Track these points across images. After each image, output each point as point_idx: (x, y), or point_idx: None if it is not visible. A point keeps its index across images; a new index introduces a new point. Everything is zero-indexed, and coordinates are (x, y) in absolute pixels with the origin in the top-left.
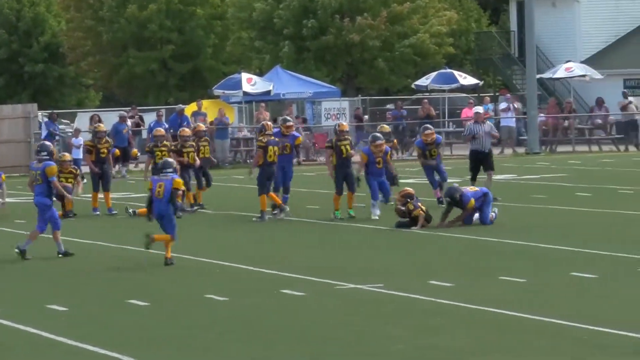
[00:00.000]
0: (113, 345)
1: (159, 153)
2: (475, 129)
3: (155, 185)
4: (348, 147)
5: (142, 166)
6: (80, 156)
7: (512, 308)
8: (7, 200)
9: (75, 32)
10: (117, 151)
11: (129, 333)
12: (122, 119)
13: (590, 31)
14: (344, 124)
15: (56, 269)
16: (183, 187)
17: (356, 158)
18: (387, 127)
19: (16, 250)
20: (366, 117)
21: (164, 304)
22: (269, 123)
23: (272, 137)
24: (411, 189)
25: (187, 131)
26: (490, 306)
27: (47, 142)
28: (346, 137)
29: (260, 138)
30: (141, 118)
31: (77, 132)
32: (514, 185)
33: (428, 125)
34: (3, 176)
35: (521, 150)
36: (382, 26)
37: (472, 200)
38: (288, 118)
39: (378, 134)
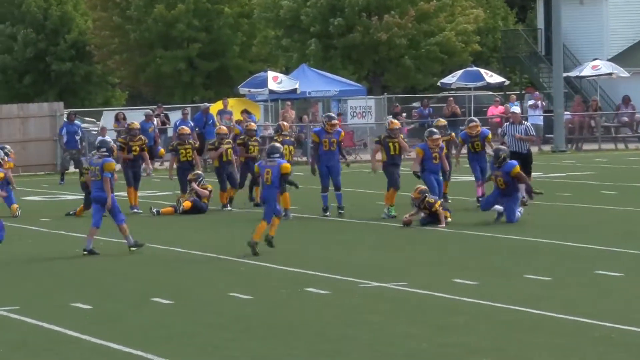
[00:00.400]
0: (136, 343)
1: (183, 151)
2: (507, 129)
3: (263, 171)
4: (397, 145)
5: (167, 164)
6: None
7: (535, 306)
8: (34, 198)
9: (102, 31)
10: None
11: (152, 331)
12: (148, 118)
13: (618, 29)
14: (395, 121)
15: (80, 268)
16: (290, 171)
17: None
18: (443, 121)
19: (84, 252)
20: (404, 114)
21: (188, 302)
22: (285, 123)
23: (288, 137)
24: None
25: (224, 129)
26: (513, 304)
27: (108, 139)
28: (396, 134)
29: (276, 138)
30: (167, 116)
31: (103, 131)
32: (540, 183)
33: (473, 118)
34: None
35: (547, 148)
36: (409, 24)
37: (517, 166)
38: (332, 115)
39: (434, 129)
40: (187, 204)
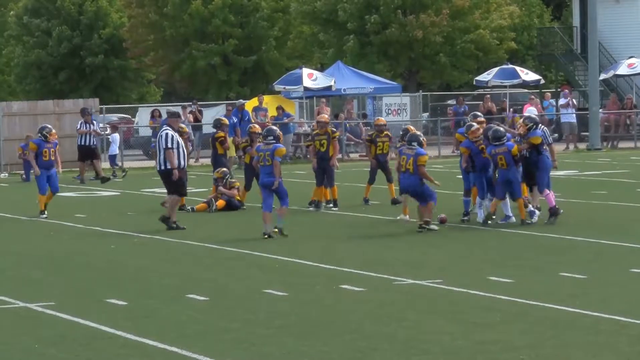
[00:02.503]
0: (171, 339)
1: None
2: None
3: (497, 158)
4: (386, 143)
5: (202, 161)
6: (116, 152)
7: (571, 304)
8: (69, 194)
9: (138, 29)
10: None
11: (187, 327)
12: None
13: None
14: (381, 117)
15: (115, 264)
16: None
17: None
18: (382, 120)
19: (274, 229)
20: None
21: (223, 298)
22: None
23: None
24: None
25: (257, 127)
26: (549, 302)
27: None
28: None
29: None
30: (200, 112)
31: (113, 129)
32: (575, 181)
33: (477, 114)
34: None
35: (583, 146)
36: (444, 22)
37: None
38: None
39: (472, 123)
40: (220, 203)
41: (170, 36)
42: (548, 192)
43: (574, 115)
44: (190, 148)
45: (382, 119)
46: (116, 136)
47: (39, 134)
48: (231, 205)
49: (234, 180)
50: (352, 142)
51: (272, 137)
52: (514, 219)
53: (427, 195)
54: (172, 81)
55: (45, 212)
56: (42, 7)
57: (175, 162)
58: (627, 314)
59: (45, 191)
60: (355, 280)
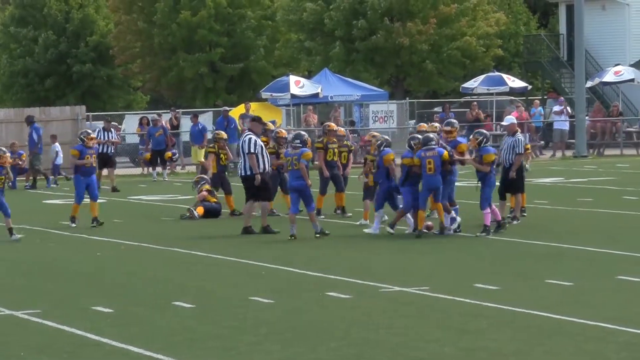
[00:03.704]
0: (157, 347)
1: (223, 156)
2: (503, 141)
3: (425, 162)
4: (336, 150)
5: (188, 168)
6: (61, 162)
7: (558, 311)
8: (56, 202)
9: (126, 35)
10: (167, 153)
11: (174, 334)
12: (155, 123)
13: None
14: (333, 124)
15: (102, 271)
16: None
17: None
18: (342, 130)
19: (316, 235)
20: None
21: (210, 305)
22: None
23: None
24: None
25: (283, 132)
26: (535, 309)
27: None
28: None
29: (322, 138)
30: (178, 119)
31: (53, 138)
32: (561, 189)
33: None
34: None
35: (569, 153)
36: (430, 30)
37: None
38: (453, 121)
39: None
40: (200, 210)
41: (158, 44)
42: (492, 208)
43: (567, 122)
44: (177, 155)
45: (342, 129)
46: (57, 145)
47: (79, 139)
48: (211, 211)
49: (202, 184)
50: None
51: (299, 142)
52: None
53: (445, 195)
54: (159, 88)
55: (77, 221)
56: (28, 15)
57: (261, 166)
58: (614, 321)
59: (82, 200)
60: (342, 287)
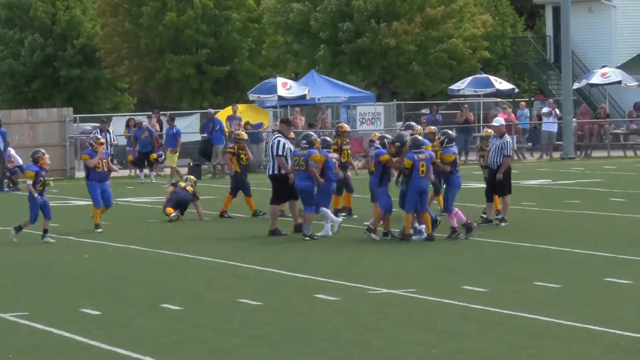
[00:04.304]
0: (145, 349)
1: (244, 156)
2: (490, 143)
3: (418, 164)
4: (349, 151)
5: (168, 171)
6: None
7: (545, 313)
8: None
9: (113, 37)
10: (153, 155)
11: (162, 337)
12: (139, 125)
13: (627, 36)
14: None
15: (89, 273)
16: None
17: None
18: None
19: (305, 238)
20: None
21: (198, 308)
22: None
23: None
24: None
25: (244, 135)
26: (523, 311)
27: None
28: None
29: (337, 140)
30: (160, 122)
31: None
32: (549, 190)
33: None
34: None
35: (556, 155)
36: (417, 30)
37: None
38: (412, 124)
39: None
40: (169, 210)
41: (145, 46)
42: (456, 210)
43: (556, 124)
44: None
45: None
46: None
47: (88, 144)
48: (180, 204)
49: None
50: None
51: (306, 142)
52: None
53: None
54: (146, 90)
55: (100, 227)
56: (15, 17)
57: (288, 167)
58: (602, 323)
59: (100, 204)
60: (330, 289)
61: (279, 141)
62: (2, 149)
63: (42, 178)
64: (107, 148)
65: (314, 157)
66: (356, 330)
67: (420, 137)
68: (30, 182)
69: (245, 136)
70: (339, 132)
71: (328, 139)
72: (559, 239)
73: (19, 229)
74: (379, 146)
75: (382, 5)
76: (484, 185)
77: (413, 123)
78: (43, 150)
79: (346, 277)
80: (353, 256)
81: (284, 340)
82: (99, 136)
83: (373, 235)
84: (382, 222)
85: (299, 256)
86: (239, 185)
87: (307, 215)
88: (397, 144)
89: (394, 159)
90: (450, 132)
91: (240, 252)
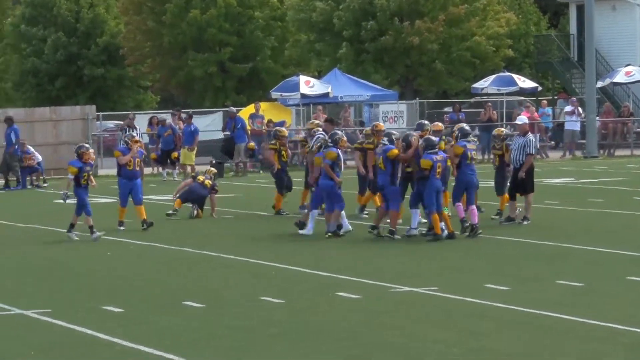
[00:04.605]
0: (168, 347)
1: (284, 153)
2: (514, 141)
3: (436, 165)
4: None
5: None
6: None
7: (567, 312)
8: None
9: (136, 35)
10: (174, 153)
11: (184, 334)
12: (162, 123)
13: None
14: (283, 129)
15: (111, 271)
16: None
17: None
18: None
19: (327, 234)
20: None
21: (220, 305)
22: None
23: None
24: None
25: (284, 131)
26: (545, 310)
27: (338, 131)
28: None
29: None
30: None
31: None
32: (572, 189)
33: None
34: None
35: (579, 154)
36: (440, 29)
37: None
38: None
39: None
40: (177, 203)
41: (168, 43)
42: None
43: (579, 123)
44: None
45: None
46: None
47: (123, 142)
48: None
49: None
50: (349, 150)
51: (331, 141)
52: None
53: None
54: (169, 88)
55: (123, 225)
56: (39, 15)
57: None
58: (623, 322)
59: (125, 203)
60: (351, 287)
61: (318, 137)
62: (16, 146)
63: (85, 173)
64: None
65: (329, 155)
66: (377, 328)
67: (432, 137)
68: (71, 177)
69: (286, 132)
70: (375, 131)
71: (338, 132)
72: (581, 237)
73: (72, 226)
74: (386, 143)
75: (406, 4)
76: (492, 183)
77: (425, 122)
78: (87, 145)
79: (367, 275)
80: (374, 255)
81: (303, 338)
82: (135, 134)
83: (396, 237)
84: (383, 219)
85: (320, 254)
86: (278, 181)
87: (328, 214)
88: (403, 143)
89: (402, 155)
90: (466, 126)
91: (262, 250)
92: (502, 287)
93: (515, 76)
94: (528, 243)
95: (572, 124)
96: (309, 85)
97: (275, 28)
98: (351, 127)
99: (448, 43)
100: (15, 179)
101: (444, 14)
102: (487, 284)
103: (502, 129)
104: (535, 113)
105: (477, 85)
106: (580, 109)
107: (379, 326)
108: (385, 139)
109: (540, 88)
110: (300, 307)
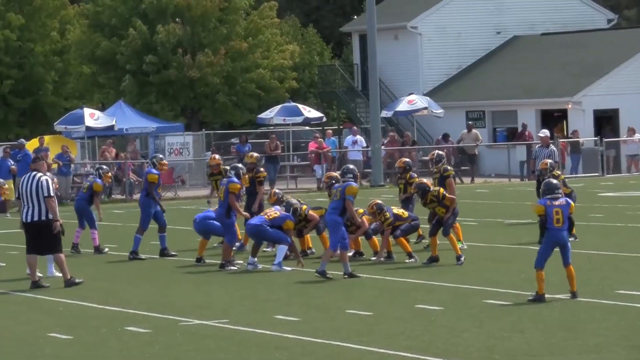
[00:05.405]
0: None
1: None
2: (537, 152)
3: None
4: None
5: None
6: None
7: (358, 341)
8: None
9: None
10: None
11: None
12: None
13: (433, 63)
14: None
15: None
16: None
17: None
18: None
19: (315, 273)
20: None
21: (5, 343)
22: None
23: None
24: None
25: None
26: (336, 340)
27: (352, 166)
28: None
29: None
30: None
31: None
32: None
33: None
34: None
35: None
36: (221, 62)
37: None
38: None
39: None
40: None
41: None
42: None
43: (361, 152)
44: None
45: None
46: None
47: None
48: None
49: None
50: (137, 182)
51: (351, 176)
52: None
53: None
54: None
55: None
56: None
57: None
58: (413, 350)
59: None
60: (140, 321)
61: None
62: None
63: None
64: None
65: (350, 190)
66: None
67: (554, 181)
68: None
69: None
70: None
71: (353, 167)
72: (372, 267)
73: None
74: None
75: (185, 37)
76: None
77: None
78: (161, 155)
79: (157, 308)
80: (163, 288)
81: None
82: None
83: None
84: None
85: (107, 288)
86: None
87: (334, 253)
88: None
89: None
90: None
91: (50, 286)
92: (293, 318)
93: (300, 106)
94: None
95: (355, 154)
96: (93, 117)
97: (56, 62)
98: (139, 160)
99: (233, 75)
100: None
101: (225, 47)
102: (277, 315)
103: (404, 159)
104: (324, 143)
105: (262, 115)
106: (362, 138)
107: (172, 359)
108: (233, 172)
109: (325, 118)
110: (89, 343)
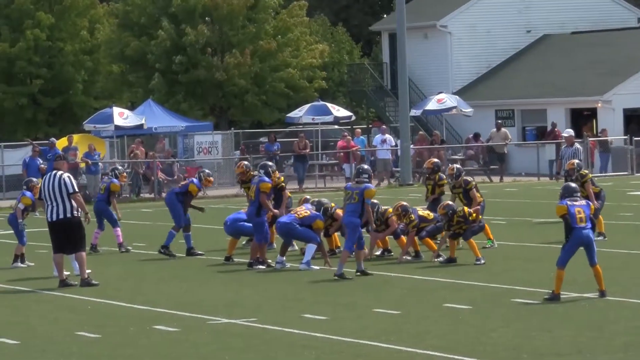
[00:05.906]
0: None
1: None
2: (563, 151)
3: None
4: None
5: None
6: None
7: (387, 340)
8: None
9: None
10: None
11: None
12: (35, 154)
13: (462, 62)
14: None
15: None
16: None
17: None
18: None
19: (335, 276)
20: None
21: (35, 341)
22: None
23: None
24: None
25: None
26: (363, 339)
27: (366, 166)
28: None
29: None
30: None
31: None
32: None
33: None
34: None
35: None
36: (248, 62)
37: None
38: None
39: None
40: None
41: None
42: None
43: (389, 152)
44: None
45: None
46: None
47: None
48: None
49: None
50: (166, 181)
51: (367, 176)
52: None
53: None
54: None
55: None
56: None
57: None
58: (440, 349)
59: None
60: (169, 320)
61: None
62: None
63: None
64: None
65: (369, 193)
66: None
67: (572, 184)
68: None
69: None
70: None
71: (367, 167)
72: (400, 265)
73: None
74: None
75: (213, 37)
76: None
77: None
78: (208, 171)
79: (185, 307)
80: (193, 286)
81: None
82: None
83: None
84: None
85: (135, 288)
86: None
87: (352, 253)
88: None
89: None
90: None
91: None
92: (321, 317)
93: (329, 105)
94: (345, 271)
95: (384, 153)
96: (122, 116)
97: (85, 62)
98: (169, 158)
99: (261, 75)
100: None
101: (252, 47)
102: (305, 314)
103: (433, 160)
104: (352, 142)
105: (291, 114)
106: (390, 137)
107: (198, 359)
108: (262, 170)
109: (354, 117)
110: (117, 342)
